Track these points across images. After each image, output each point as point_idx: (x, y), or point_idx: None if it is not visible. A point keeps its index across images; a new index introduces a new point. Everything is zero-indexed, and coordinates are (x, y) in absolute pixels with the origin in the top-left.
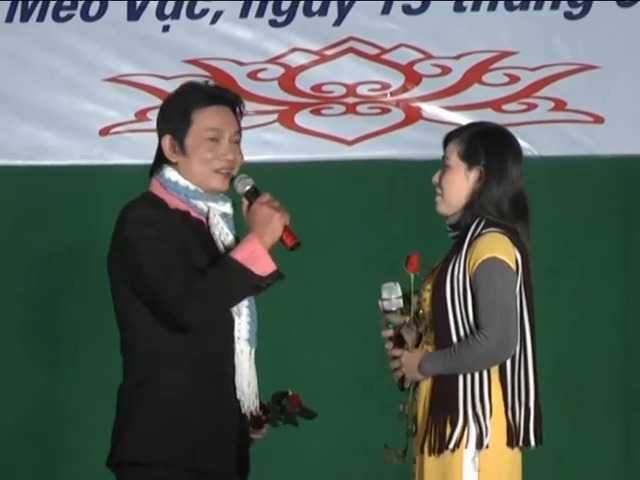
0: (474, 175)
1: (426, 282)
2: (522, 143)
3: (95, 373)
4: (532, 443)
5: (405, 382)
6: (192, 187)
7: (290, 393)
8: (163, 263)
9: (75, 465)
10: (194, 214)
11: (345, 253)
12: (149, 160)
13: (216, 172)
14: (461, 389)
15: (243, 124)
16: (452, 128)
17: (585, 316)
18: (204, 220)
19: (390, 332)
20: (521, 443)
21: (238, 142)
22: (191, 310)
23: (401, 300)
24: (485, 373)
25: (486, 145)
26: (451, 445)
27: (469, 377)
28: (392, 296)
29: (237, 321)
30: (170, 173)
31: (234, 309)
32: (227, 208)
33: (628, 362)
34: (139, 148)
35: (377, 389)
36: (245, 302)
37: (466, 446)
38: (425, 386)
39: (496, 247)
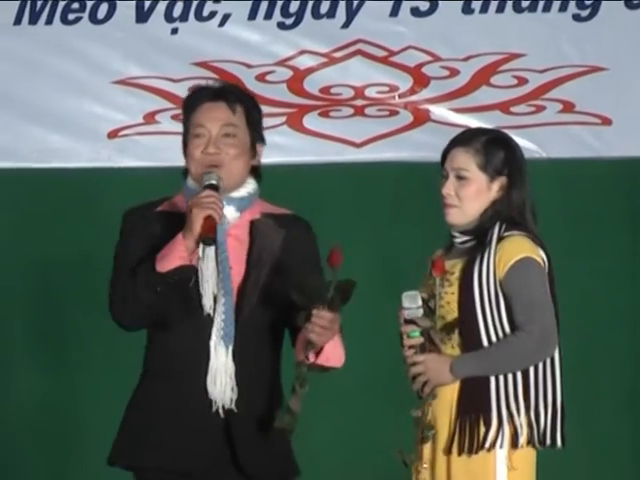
0: (496, 186)
1: (445, 286)
2: (530, 145)
3: (102, 376)
4: (559, 444)
5: (426, 388)
6: (192, 187)
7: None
8: (118, 263)
9: (83, 468)
10: None
11: (353, 255)
12: (157, 163)
13: (208, 168)
14: (493, 388)
15: None
16: (461, 130)
17: (593, 317)
18: None
19: (414, 341)
20: (549, 443)
21: (231, 135)
22: (117, 309)
23: (422, 309)
24: (519, 372)
25: (506, 155)
26: (487, 445)
27: (501, 376)
28: (413, 305)
29: (215, 320)
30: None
31: (207, 307)
32: (225, 209)
33: (637, 364)
34: (147, 151)
35: (384, 392)
36: (222, 299)
37: (500, 446)
38: (449, 389)
39: (526, 248)
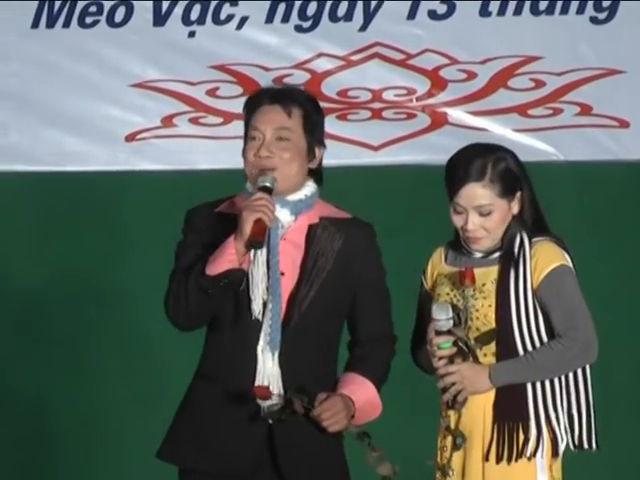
0: (515, 202)
1: (478, 298)
2: (548, 148)
3: (118, 377)
4: (594, 447)
5: (459, 397)
6: (250, 189)
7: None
8: (176, 262)
9: (104, 466)
10: None
11: None
12: (175, 166)
13: (261, 171)
14: (530, 395)
15: None
16: (478, 133)
17: (611, 321)
18: None
19: (446, 352)
20: (586, 447)
21: (285, 139)
22: (171, 308)
23: (452, 321)
24: (556, 379)
25: (512, 169)
26: (528, 453)
27: (538, 383)
28: (444, 316)
29: (262, 326)
30: None
31: (256, 313)
32: (277, 211)
33: None
34: (165, 154)
35: (402, 393)
36: (269, 305)
37: (542, 455)
38: (481, 397)
39: (558, 255)
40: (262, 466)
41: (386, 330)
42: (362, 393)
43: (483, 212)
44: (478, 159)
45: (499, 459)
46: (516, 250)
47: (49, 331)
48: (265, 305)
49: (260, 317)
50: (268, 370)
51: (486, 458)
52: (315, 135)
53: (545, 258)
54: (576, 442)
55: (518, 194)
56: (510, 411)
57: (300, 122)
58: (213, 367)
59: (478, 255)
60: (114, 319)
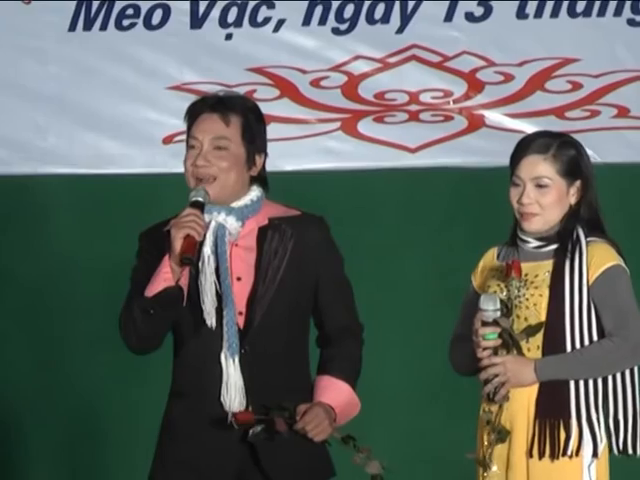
0: (573, 189)
1: (530, 289)
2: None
3: (160, 377)
4: (639, 451)
5: (502, 389)
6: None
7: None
8: (130, 286)
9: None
10: None
11: (409, 261)
12: None
13: (200, 181)
14: (573, 394)
15: (304, 132)
16: (515, 135)
17: None
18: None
19: (491, 342)
20: (630, 452)
21: (222, 148)
22: (123, 332)
23: (499, 312)
24: (600, 381)
25: (578, 157)
26: (568, 451)
27: (581, 383)
28: (491, 307)
29: (223, 333)
30: None
31: (209, 322)
32: (223, 219)
33: None
34: None
35: (442, 395)
36: (224, 311)
37: (583, 454)
38: (525, 391)
39: (614, 256)
40: (247, 469)
41: (352, 321)
42: (339, 396)
43: (540, 184)
44: (545, 138)
45: (541, 455)
46: (572, 244)
47: (90, 334)
48: (221, 312)
49: (215, 325)
50: (231, 376)
51: (530, 454)
52: (255, 143)
53: (601, 256)
54: (620, 447)
55: (578, 183)
56: (552, 408)
57: (239, 131)
58: (184, 383)
59: (531, 245)
60: None
